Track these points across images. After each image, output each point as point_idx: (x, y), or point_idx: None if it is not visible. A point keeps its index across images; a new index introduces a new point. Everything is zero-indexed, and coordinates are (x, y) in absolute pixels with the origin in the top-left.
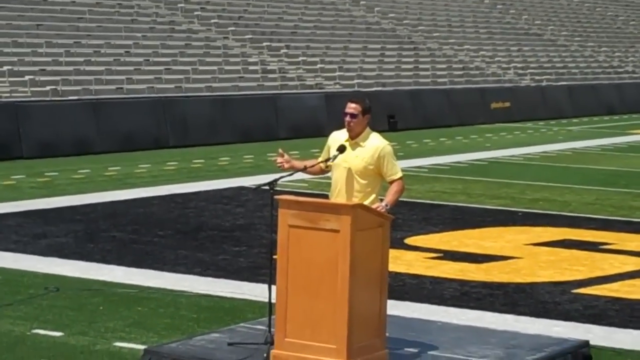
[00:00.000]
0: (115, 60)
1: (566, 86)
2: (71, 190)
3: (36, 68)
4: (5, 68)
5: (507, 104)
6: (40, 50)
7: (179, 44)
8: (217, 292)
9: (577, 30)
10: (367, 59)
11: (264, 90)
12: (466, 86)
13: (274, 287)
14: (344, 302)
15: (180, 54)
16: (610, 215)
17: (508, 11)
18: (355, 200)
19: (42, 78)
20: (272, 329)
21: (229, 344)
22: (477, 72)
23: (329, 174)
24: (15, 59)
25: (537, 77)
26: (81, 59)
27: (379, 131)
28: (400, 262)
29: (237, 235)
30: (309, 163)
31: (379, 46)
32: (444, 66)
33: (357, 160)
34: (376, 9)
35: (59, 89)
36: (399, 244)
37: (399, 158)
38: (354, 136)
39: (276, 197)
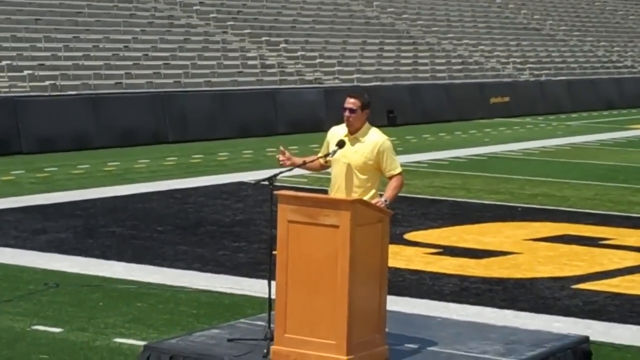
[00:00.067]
0: (114, 55)
1: (565, 81)
2: (70, 185)
3: (35, 63)
4: (4, 63)
5: (506, 99)
6: (39, 45)
7: (177, 38)
8: (216, 288)
9: (576, 25)
10: (366, 54)
11: (263, 85)
12: (465, 81)
13: (273, 283)
14: (344, 297)
15: (179, 49)
16: (609, 210)
17: (507, 6)
18: (355, 195)
19: (41, 73)
20: (271, 325)
21: (229, 340)
22: (476, 67)
23: (329, 170)
24: (14, 53)
25: (536, 72)
26: (80, 54)
27: (378, 126)
28: (400, 257)
29: (236, 230)
30: (308, 159)
31: (377, 41)
32: (442, 61)
33: (356, 156)
34: (375, 3)
35: (57, 83)
36: (399, 240)
37: (398, 153)
38: (353, 131)
39: (275, 192)
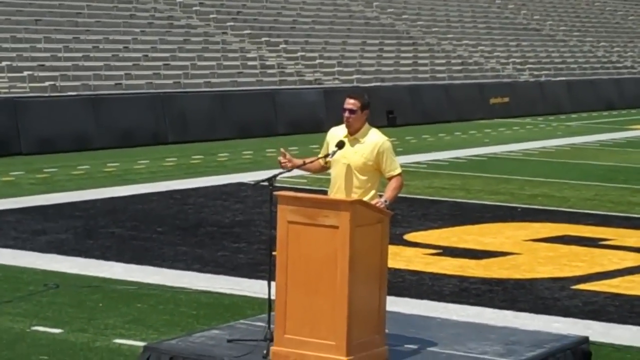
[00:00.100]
0: (114, 56)
1: (565, 81)
2: (70, 186)
3: (35, 63)
4: (4, 64)
5: (506, 100)
6: (39, 45)
7: (177, 39)
8: (216, 289)
9: (576, 25)
10: (365, 54)
11: (262, 86)
12: (465, 81)
13: (273, 284)
14: (344, 298)
15: (179, 50)
16: (609, 210)
17: (507, 6)
18: (355, 196)
19: (41, 74)
20: (271, 326)
21: (229, 341)
22: (476, 67)
23: (329, 170)
24: (14, 54)
25: (535, 73)
26: (80, 55)
27: (378, 127)
28: (400, 258)
29: (236, 231)
30: (308, 160)
31: (377, 41)
32: (442, 61)
33: (356, 157)
34: (375, 3)
35: (57, 84)
36: (398, 240)
37: (397, 154)
38: (353, 132)
39: (275, 193)
